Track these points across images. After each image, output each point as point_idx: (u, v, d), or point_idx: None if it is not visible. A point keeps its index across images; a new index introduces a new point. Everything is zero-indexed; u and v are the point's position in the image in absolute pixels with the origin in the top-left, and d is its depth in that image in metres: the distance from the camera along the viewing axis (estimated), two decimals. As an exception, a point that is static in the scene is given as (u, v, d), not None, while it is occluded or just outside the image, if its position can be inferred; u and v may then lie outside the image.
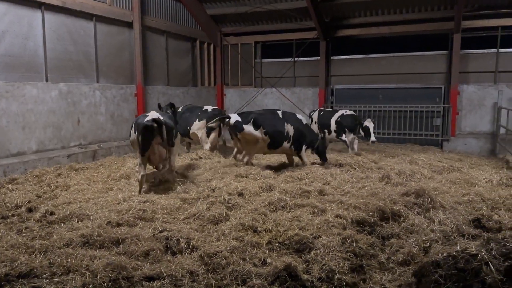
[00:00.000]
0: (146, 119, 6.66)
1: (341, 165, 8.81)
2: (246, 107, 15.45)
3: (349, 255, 4.30)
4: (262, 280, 3.76)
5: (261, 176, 7.86)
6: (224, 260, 4.13)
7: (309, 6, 12.77)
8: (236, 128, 8.34)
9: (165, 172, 7.58)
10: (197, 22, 15.05)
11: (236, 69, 16.31)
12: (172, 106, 8.58)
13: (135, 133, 6.91)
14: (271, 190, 6.73)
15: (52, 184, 7.41)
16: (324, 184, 7.22)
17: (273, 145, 8.61)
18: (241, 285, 3.77)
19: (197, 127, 10.59)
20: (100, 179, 7.97)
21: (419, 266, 3.64)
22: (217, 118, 9.40)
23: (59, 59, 9.83)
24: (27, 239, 4.78)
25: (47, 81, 9.53)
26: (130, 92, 11.82)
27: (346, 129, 10.93)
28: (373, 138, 10.38)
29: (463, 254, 3.08)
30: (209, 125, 9.77)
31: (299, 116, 9.24)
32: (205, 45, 15.58)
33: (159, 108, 9.05)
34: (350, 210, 5.59)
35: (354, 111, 12.62)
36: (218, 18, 15.55)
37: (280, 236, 4.83)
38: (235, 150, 9.06)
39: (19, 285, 3.66)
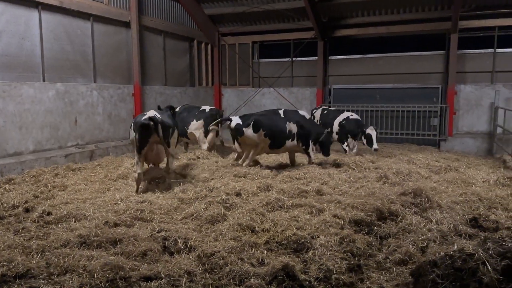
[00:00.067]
0: (143, 118, 6.77)
1: (338, 165, 8.82)
2: (244, 107, 15.45)
3: (347, 255, 4.31)
4: (259, 280, 3.76)
5: (259, 176, 7.86)
6: (221, 260, 4.13)
7: (306, 6, 12.78)
8: (237, 132, 8.35)
9: (163, 172, 7.61)
10: (195, 22, 15.04)
11: (234, 69, 16.30)
12: (171, 108, 8.60)
13: (134, 132, 6.95)
14: (269, 190, 6.73)
15: (49, 184, 7.39)
16: (322, 184, 7.23)
17: (275, 145, 8.61)
18: (239, 285, 3.77)
19: (195, 127, 10.58)
20: (97, 179, 7.96)
21: (416, 266, 3.65)
22: (218, 120, 9.38)
23: (56, 59, 9.80)
24: (24, 239, 4.77)
25: (44, 81, 9.50)
26: (128, 92, 11.80)
27: (348, 134, 10.62)
28: (375, 146, 10.07)
29: (460, 254, 3.09)
30: (211, 127, 9.75)
31: (301, 112, 9.25)
32: (203, 45, 15.57)
33: (159, 109, 9.03)
34: (348, 210, 5.59)
35: (352, 111, 12.64)
36: (216, 18, 15.54)
37: (278, 236, 4.83)
38: (236, 154, 9.05)
39: (16, 286, 3.65)
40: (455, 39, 12.55)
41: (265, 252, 4.45)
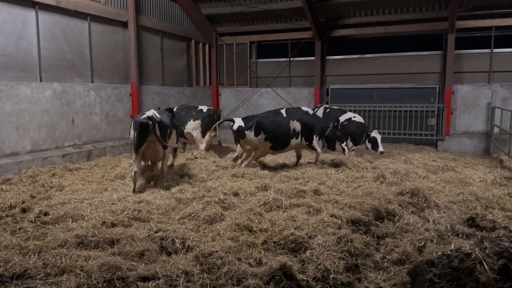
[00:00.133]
0: (142, 117, 6.91)
1: (336, 165, 8.83)
2: (241, 107, 15.45)
3: (344, 255, 4.31)
4: (257, 280, 3.76)
5: (257, 176, 7.87)
6: (219, 260, 4.13)
7: (304, 6, 12.78)
8: (239, 134, 8.32)
9: (159, 172, 7.68)
10: (192, 22, 15.02)
11: (232, 69, 16.29)
12: (170, 110, 8.64)
13: (133, 130, 7.08)
14: (267, 190, 6.74)
15: (46, 185, 7.37)
16: (320, 184, 7.24)
17: (279, 147, 8.61)
18: (237, 285, 3.77)
19: (192, 127, 10.57)
20: (94, 179, 7.94)
21: (413, 265, 3.66)
22: (220, 121, 9.32)
23: (53, 58, 9.77)
24: (21, 239, 4.76)
25: (41, 81, 9.47)
26: (125, 92, 11.78)
27: (349, 136, 10.39)
28: (381, 148, 10.00)
29: (457, 253, 3.10)
30: (212, 133, 9.71)
31: (304, 108, 9.23)
32: (200, 45, 15.55)
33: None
34: (345, 209, 5.60)
35: (349, 111, 12.62)
36: (214, 18, 15.53)
37: (276, 235, 4.83)
38: (236, 154, 9.04)
39: (13, 286, 3.64)
40: (452, 39, 12.59)
41: (262, 252, 4.45)
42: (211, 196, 6.23)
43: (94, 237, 4.67)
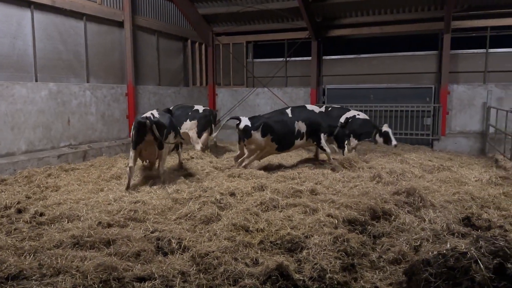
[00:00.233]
0: (140, 117, 7.11)
1: (332, 168, 8.80)
2: (238, 107, 15.44)
3: (341, 254, 4.32)
4: (254, 280, 3.76)
5: (253, 176, 7.86)
6: (215, 260, 4.12)
7: (300, 6, 12.79)
8: (245, 133, 8.28)
9: (155, 172, 7.70)
10: (189, 22, 15.00)
11: (228, 69, 16.28)
12: (168, 111, 8.65)
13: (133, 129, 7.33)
14: (263, 190, 6.73)
15: (42, 185, 7.33)
16: (316, 184, 7.25)
17: (284, 147, 8.59)
18: (233, 285, 3.77)
19: (188, 126, 10.56)
20: (90, 179, 7.91)
21: (409, 265, 3.67)
22: (225, 122, 9.23)
23: (49, 58, 9.73)
24: (17, 240, 4.73)
25: (36, 80, 9.43)
26: (121, 92, 11.75)
27: (353, 134, 10.41)
28: (394, 142, 10.18)
29: (453, 253, 3.11)
30: (214, 135, 9.68)
31: (309, 107, 9.18)
32: (197, 44, 15.53)
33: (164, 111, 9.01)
34: (342, 209, 5.61)
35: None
36: (210, 18, 15.51)
37: (272, 235, 4.83)
38: (238, 153, 9.00)
39: (8, 287, 3.62)
40: (448, 39, 12.63)
41: (259, 252, 4.45)
42: (207, 196, 6.22)
43: (90, 238, 4.65)
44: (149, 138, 7.13)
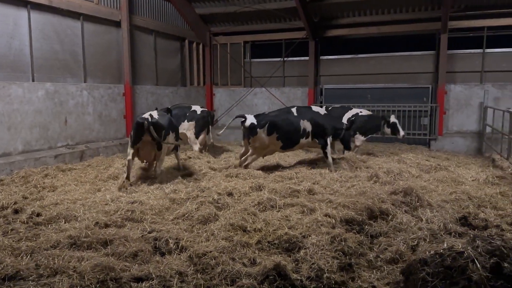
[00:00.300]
0: (140, 117, 7.25)
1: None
2: (235, 106, 15.43)
3: (338, 254, 4.32)
4: (251, 280, 3.76)
5: (251, 175, 7.87)
6: (213, 260, 4.12)
7: (298, 6, 12.80)
8: (251, 131, 8.25)
9: (152, 173, 7.75)
10: (186, 22, 14.99)
11: (226, 69, 16.27)
12: (169, 111, 8.64)
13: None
14: (261, 190, 6.74)
15: (38, 185, 7.31)
16: (313, 184, 7.25)
17: (288, 146, 8.56)
18: (231, 285, 3.77)
19: (186, 127, 10.54)
20: (87, 179, 7.90)
21: (406, 264, 3.67)
22: (230, 122, 9.16)
23: (46, 58, 9.70)
24: (13, 241, 4.72)
25: (33, 80, 9.40)
26: (118, 91, 11.72)
27: (357, 131, 10.46)
28: (402, 132, 10.44)
29: (450, 252, 3.11)
30: (220, 132, 9.60)
31: (315, 108, 9.18)
32: (194, 44, 15.52)
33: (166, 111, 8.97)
34: (339, 209, 5.61)
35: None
36: (207, 18, 15.50)
37: (270, 235, 4.83)
38: (243, 150, 8.97)
39: (4, 288, 3.61)
40: (445, 39, 12.67)
41: (256, 251, 4.45)
42: (205, 196, 6.22)
43: (87, 238, 4.64)
44: (147, 139, 7.19)
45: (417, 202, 5.95)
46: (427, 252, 3.32)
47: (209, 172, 8.47)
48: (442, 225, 5.11)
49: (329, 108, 11.40)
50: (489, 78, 12.96)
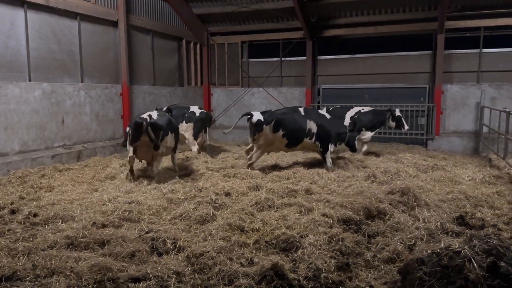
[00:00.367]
0: (139, 117, 7.37)
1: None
2: (233, 106, 15.43)
3: (336, 254, 4.34)
4: (249, 280, 3.76)
5: (248, 175, 7.87)
6: (211, 260, 4.12)
7: (295, 6, 12.80)
8: (257, 128, 8.27)
9: (149, 173, 7.75)
10: (183, 22, 14.97)
11: (223, 69, 16.26)
12: (169, 111, 8.63)
13: None
14: (258, 190, 6.74)
15: (35, 185, 7.29)
16: (311, 183, 7.27)
17: (292, 144, 8.56)
18: (228, 285, 3.77)
19: (184, 128, 10.51)
20: (84, 180, 7.87)
21: (404, 264, 3.68)
22: (237, 122, 9.14)
23: (43, 58, 9.67)
24: (10, 241, 4.70)
25: (30, 80, 9.37)
26: (115, 91, 11.70)
27: (363, 127, 10.67)
28: (406, 126, 10.67)
29: (447, 251, 3.12)
30: (226, 131, 9.57)
31: (321, 112, 9.24)
32: (192, 44, 15.50)
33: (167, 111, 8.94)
34: (337, 208, 5.63)
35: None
36: (205, 18, 15.49)
37: (267, 235, 4.84)
38: (249, 146, 8.96)
39: (1, 288, 3.60)
40: (441, 39, 12.70)
41: (254, 251, 4.45)
42: (202, 196, 6.22)
43: (84, 238, 4.63)
44: (145, 139, 7.22)
45: (414, 201, 5.97)
46: (424, 252, 3.33)
47: (206, 172, 8.46)
48: (439, 224, 5.14)
49: (330, 109, 11.38)
50: (486, 78, 13.00)
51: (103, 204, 6.09)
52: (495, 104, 12.34)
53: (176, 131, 8.11)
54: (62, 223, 5.32)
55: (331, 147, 8.85)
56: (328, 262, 4.13)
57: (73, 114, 10.33)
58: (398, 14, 13.52)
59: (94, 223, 5.19)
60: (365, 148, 10.95)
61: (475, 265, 2.90)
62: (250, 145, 8.92)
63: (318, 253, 4.29)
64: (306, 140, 8.56)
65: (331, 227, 5.02)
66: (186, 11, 14.81)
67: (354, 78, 14.51)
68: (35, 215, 5.61)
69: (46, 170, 8.41)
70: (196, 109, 10.78)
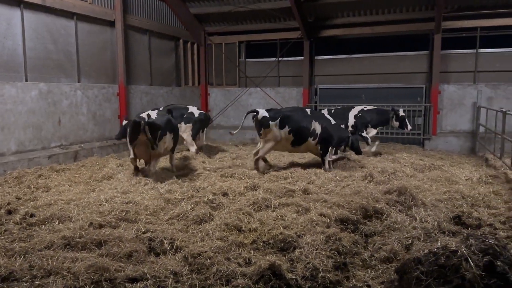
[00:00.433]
0: (137, 116, 7.50)
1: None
2: (230, 106, 15.43)
3: (333, 253, 4.34)
4: (246, 280, 3.77)
5: (246, 175, 7.87)
6: (208, 260, 4.12)
7: (292, 6, 12.82)
8: (262, 124, 8.31)
9: (147, 172, 7.72)
10: (181, 21, 14.95)
11: (221, 69, 16.25)
12: (169, 111, 8.64)
13: None
14: (256, 190, 6.75)
15: (32, 186, 7.27)
16: (308, 183, 7.28)
17: (297, 142, 8.56)
18: (226, 285, 3.77)
19: (183, 129, 10.49)
20: (81, 180, 7.85)
21: (401, 263, 3.68)
22: (243, 121, 9.12)
23: (39, 58, 9.63)
24: (7, 242, 4.69)
25: (26, 80, 9.33)
26: (112, 91, 11.67)
27: (368, 124, 10.77)
28: (410, 126, 10.76)
29: (444, 251, 3.13)
30: (234, 132, 9.55)
31: (327, 116, 9.33)
32: (189, 44, 15.49)
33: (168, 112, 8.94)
34: (334, 208, 5.63)
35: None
36: (202, 18, 15.48)
37: (265, 235, 4.84)
38: (256, 149, 8.95)
39: (-2, 289, 3.59)
40: (438, 40, 12.74)
41: (252, 251, 4.45)
42: (200, 196, 6.22)
43: (81, 239, 4.62)
44: (142, 138, 7.24)
45: (411, 201, 5.99)
46: (421, 251, 3.34)
47: (204, 172, 8.47)
48: (436, 224, 5.15)
49: (332, 111, 11.36)
50: (483, 78, 13.05)
51: (100, 204, 6.08)
52: (492, 104, 12.39)
53: (175, 132, 8.10)
54: (59, 223, 5.31)
55: (330, 151, 8.84)
56: (325, 261, 4.14)
57: (70, 114, 10.30)
58: (395, 14, 13.55)
59: (91, 223, 5.18)
60: (374, 148, 10.93)
61: (472, 264, 2.91)
62: (258, 147, 8.89)
63: (316, 252, 4.29)
64: (310, 140, 8.59)
65: (328, 227, 5.03)
66: (183, 11, 14.79)
67: (351, 78, 14.54)
68: (31, 215, 5.60)
69: (43, 170, 8.38)
70: (194, 110, 10.76)
